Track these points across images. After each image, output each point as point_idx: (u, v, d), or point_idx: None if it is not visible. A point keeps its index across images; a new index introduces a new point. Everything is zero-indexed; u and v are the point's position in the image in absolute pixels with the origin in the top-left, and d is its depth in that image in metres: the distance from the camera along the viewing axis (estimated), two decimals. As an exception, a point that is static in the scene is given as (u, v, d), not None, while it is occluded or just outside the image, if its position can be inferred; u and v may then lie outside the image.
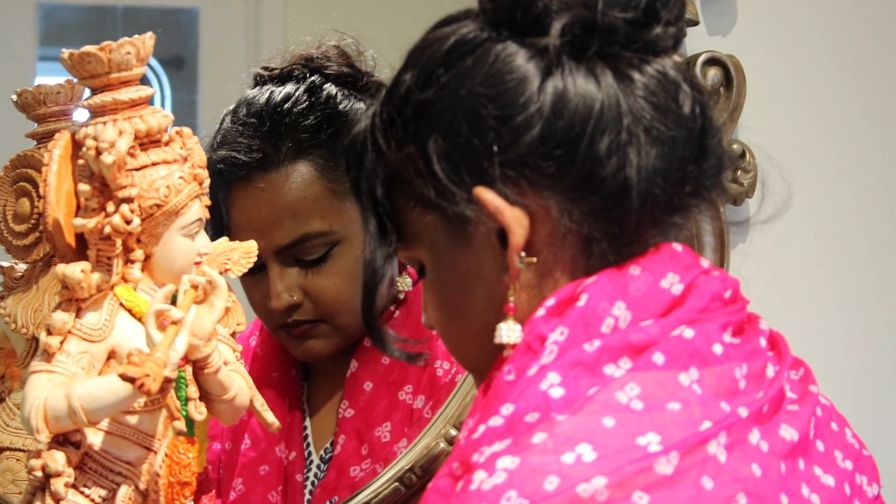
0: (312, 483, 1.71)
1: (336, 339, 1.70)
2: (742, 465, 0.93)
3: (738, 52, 1.70)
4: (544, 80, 1.00)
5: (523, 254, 1.01)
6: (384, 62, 1.74)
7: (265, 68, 1.72)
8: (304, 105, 1.67)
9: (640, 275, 1.00)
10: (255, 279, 1.66)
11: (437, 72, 1.02)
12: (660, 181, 1.00)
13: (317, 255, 1.66)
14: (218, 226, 1.65)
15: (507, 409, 0.94)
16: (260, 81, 1.72)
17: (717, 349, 0.98)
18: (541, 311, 0.99)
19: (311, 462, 1.72)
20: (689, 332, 0.97)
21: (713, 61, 1.69)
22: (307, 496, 1.70)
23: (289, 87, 1.68)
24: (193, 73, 3.33)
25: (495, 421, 0.94)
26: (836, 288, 1.79)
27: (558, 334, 0.97)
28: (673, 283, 1.00)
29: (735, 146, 1.68)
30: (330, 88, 1.69)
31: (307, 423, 1.74)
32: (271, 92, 1.68)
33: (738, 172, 1.67)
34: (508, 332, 1.02)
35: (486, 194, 1.00)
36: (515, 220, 1.00)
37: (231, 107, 1.71)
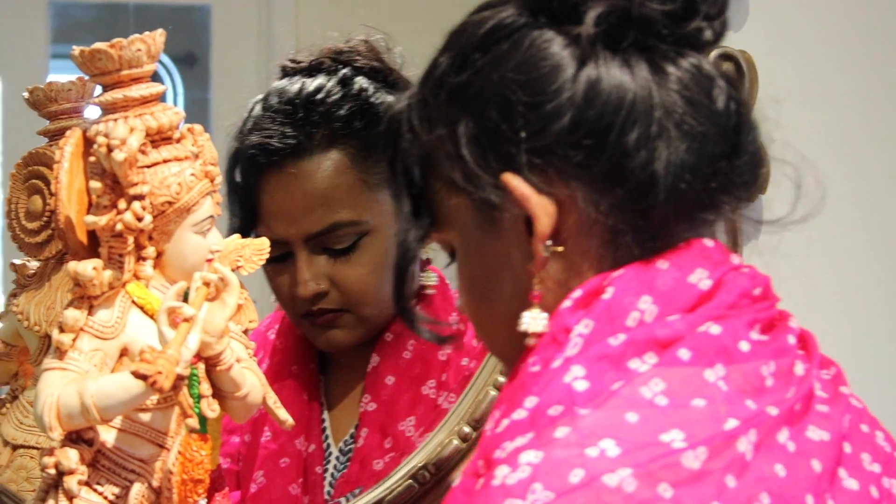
0: (332, 475, 1.71)
1: (359, 330, 1.70)
2: (766, 465, 0.92)
3: (750, 47, 1.70)
4: (579, 68, 0.99)
5: (549, 242, 1.01)
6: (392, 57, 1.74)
7: (293, 60, 1.73)
8: (337, 95, 1.68)
9: (668, 269, 0.99)
10: (281, 266, 1.66)
11: (473, 56, 1.02)
12: (688, 176, 0.99)
13: (345, 244, 1.66)
14: (247, 213, 1.65)
15: (530, 401, 0.94)
16: (289, 73, 1.72)
17: (744, 346, 0.97)
18: (567, 303, 0.99)
19: (331, 454, 1.72)
20: (715, 329, 0.96)
21: (725, 57, 1.68)
22: (327, 488, 1.70)
23: (320, 79, 1.69)
24: (206, 71, 3.34)
25: (519, 414, 0.93)
26: (852, 282, 1.79)
27: (583, 327, 0.97)
28: (701, 279, 0.99)
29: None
30: (361, 81, 1.69)
31: (325, 415, 1.74)
32: (303, 82, 1.69)
33: (751, 168, 1.67)
34: (531, 320, 1.01)
35: (513, 181, 1.00)
36: (541, 208, 1.00)
37: (260, 96, 1.71)
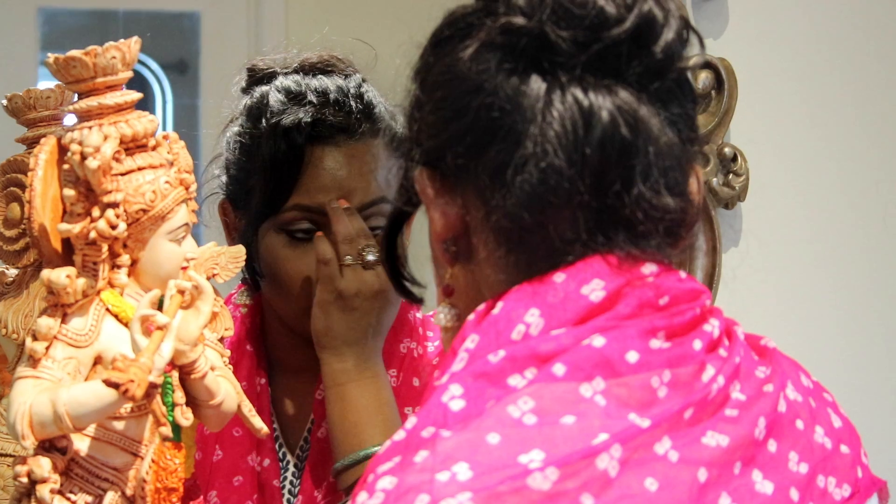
0: (292, 483, 1.71)
1: None
2: (634, 480, 0.89)
3: (730, 55, 1.70)
4: (481, 83, 0.99)
5: (448, 242, 1.02)
6: (381, 68, 1.75)
7: (304, 61, 1.73)
8: (372, 93, 1.70)
9: (563, 282, 0.96)
10: (302, 250, 1.65)
11: (425, 55, 1.05)
12: (547, 207, 0.97)
13: (381, 224, 1.66)
14: (281, 186, 1.65)
15: (410, 422, 0.93)
16: (302, 70, 1.72)
17: (632, 357, 0.94)
18: (471, 316, 0.98)
19: (289, 463, 1.72)
20: (599, 341, 0.94)
21: (704, 65, 1.69)
22: (287, 497, 1.70)
23: (355, 77, 1.71)
24: (195, 78, 3.33)
25: (398, 435, 0.93)
26: (829, 289, 1.79)
27: (470, 342, 0.95)
28: (594, 290, 0.96)
29: (727, 149, 1.68)
30: (372, 88, 1.72)
31: (276, 426, 1.74)
32: (332, 78, 1.70)
33: (730, 176, 1.66)
34: (440, 314, 1.04)
35: (421, 175, 1.03)
36: (437, 208, 1.02)
37: (266, 87, 1.70)
